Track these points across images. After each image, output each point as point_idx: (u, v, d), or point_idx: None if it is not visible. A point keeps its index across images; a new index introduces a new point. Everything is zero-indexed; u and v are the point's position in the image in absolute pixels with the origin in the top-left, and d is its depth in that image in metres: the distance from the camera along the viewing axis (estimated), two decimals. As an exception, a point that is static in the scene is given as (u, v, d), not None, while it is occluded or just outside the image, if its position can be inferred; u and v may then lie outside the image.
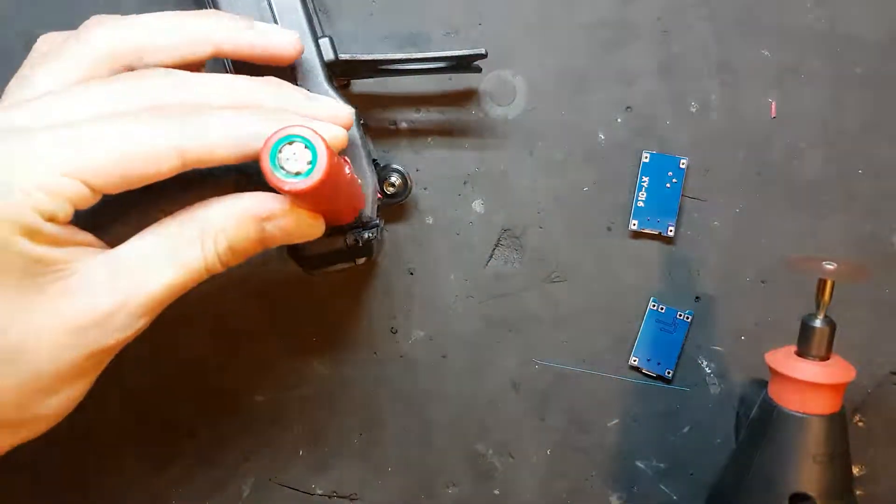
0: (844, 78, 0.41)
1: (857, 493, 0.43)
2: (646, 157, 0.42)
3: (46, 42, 0.32)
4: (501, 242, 0.43)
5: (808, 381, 0.35)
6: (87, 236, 0.28)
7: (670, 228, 0.42)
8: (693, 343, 0.43)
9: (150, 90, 0.28)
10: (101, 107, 0.27)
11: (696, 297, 0.43)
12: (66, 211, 0.26)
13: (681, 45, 0.42)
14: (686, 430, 0.43)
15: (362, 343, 0.43)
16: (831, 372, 0.35)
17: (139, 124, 0.27)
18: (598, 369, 0.43)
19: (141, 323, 0.28)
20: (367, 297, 0.43)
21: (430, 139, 0.42)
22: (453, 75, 0.42)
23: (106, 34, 0.29)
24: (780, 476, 0.35)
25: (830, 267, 0.33)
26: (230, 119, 0.28)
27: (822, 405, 0.35)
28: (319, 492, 0.44)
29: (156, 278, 0.27)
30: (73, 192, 0.26)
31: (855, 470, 0.43)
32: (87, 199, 0.26)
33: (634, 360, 0.43)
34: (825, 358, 0.35)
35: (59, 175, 0.26)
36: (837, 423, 0.35)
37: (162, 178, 0.27)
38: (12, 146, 0.26)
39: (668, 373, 0.43)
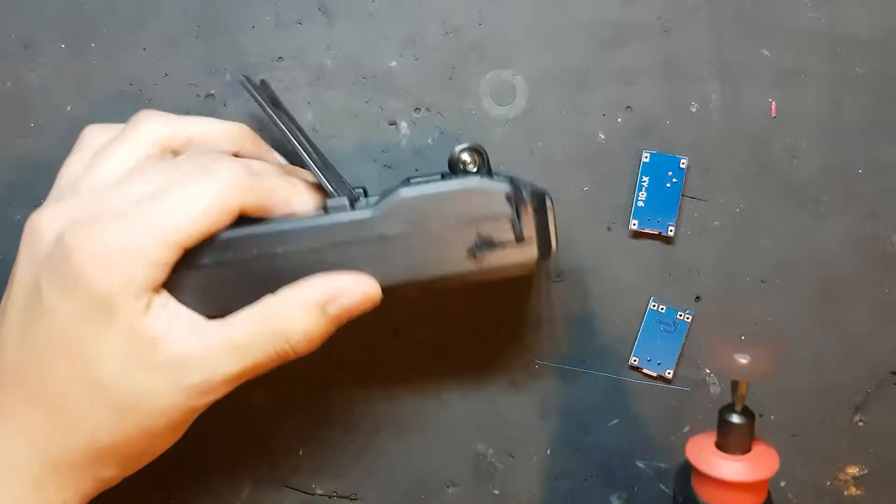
0: (844, 78, 0.41)
1: (857, 493, 0.43)
2: (646, 157, 0.42)
3: (93, 134, 0.36)
4: (501, 242, 0.43)
5: (725, 480, 0.33)
6: (177, 303, 0.32)
7: (670, 228, 0.42)
8: (693, 343, 0.43)
9: (202, 156, 0.34)
10: (168, 178, 0.32)
11: (696, 297, 0.43)
12: (165, 277, 0.31)
13: (681, 45, 0.42)
14: (686, 430, 0.43)
15: (363, 343, 0.43)
16: (750, 469, 0.33)
17: (208, 180, 0.32)
18: (598, 369, 0.43)
19: (229, 389, 0.33)
20: (367, 297, 0.43)
21: (430, 139, 0.42)
22: (454, 74, 0.42)
23: (156, 126, 0.35)
24: None
25: (744, 361, 0.32)
26: (274, 181, 0.34)
27: (744, 501, 0.33)
28: (319, 492, 0.44)
29: (241, 368, 0.32)
30: (171, 256, 0.31)
31: (855, 470, 0.43)
32: (176, 258, 0.31)
33: (634, 360, 0.43)
34: (746, 451, 0.33)
35: (160, 246, 0.30)
36: None
37: (230, 222, 0.32)
38: (116, 228, 0.30)
39: (668, 373, 0.43)
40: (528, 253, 0.33)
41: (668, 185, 0.42)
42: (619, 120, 0.42)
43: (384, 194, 0.35)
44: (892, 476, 0.43)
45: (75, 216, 0.31)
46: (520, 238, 0.33)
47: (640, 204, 0.42)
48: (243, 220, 0.33)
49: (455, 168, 0.36)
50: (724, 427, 0.33)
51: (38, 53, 0.42)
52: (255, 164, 0.35)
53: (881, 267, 0.42)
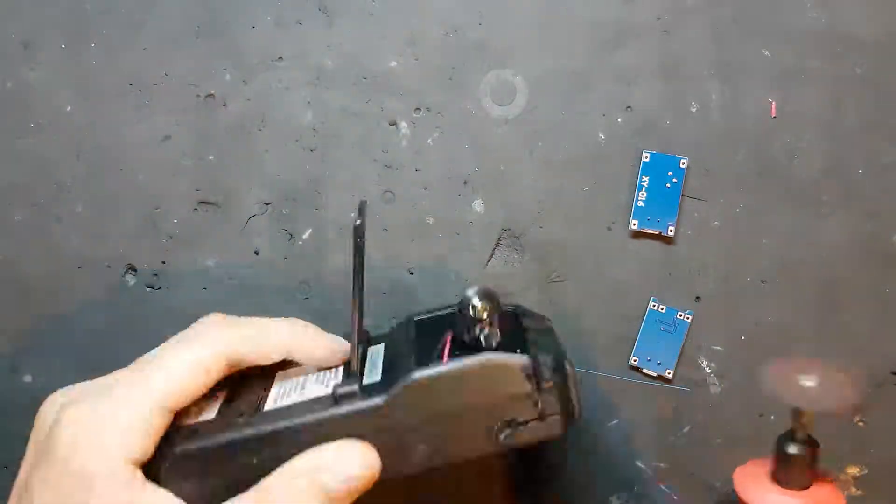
0: (844, 78, 0.41)
1: (858, 493, 0.43)
2: (646, 157, 0.42)
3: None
4: (501, 242, 0.43)
5: None
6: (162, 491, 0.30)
7: (670, 228, 0.42)
8: (693, 343, 0.43)
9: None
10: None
11: (696, 297, 0.43)
12: (147, 449, 0.29)
13: (681, 45, 0.41)
14: (686, 430, 0.43)
15: (362, 343, 0.43)
16: None
17: (188, 344, 0.31)
18: (598, 369, 0.43)
19: None
20: (367, 297, 0.43)
21: (430, 139, 0.42)
22: (454, 74, 0.42)
23: (220, 335, 0.33)
24: None
25: (810, 384, 0.27)
26: (263, 325, 0.33)
27: None
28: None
29: None
30: (148, 422, 0.29)
31: (855, 470, 0.43)
32: (166, 423, 0.30)
33: (634, 360, 0.43)
34: (805, 487, 0.29)
35: (134, 411, 0.29)
36: None
37: (213, 383, 0.31)
38: (94, 402, 0.29)
39: (668, 373, 0.43)
40: (552, 428, 0.31)
41: (668, 185, 0.42)
42: (619, 120, 0.42)
43: (392, 363, 0.33)
44: (892, 476, 0.43)
45: (72, 398, 0.30)
46: (542, 415, 0.31)
47: (640, 204, 0.42)
48: (260, 379, 0.33)
49: (465, 313, 0.33)
50: (781, 457, 0.29)
51: (38, 53, 0.42)
52: (244, 319, 0.34)
53: (881, 267, 0.42)
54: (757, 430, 0.43)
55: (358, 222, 0.32)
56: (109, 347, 0.43)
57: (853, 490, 0.43)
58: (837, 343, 0.42)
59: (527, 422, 0.31)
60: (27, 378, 0.43)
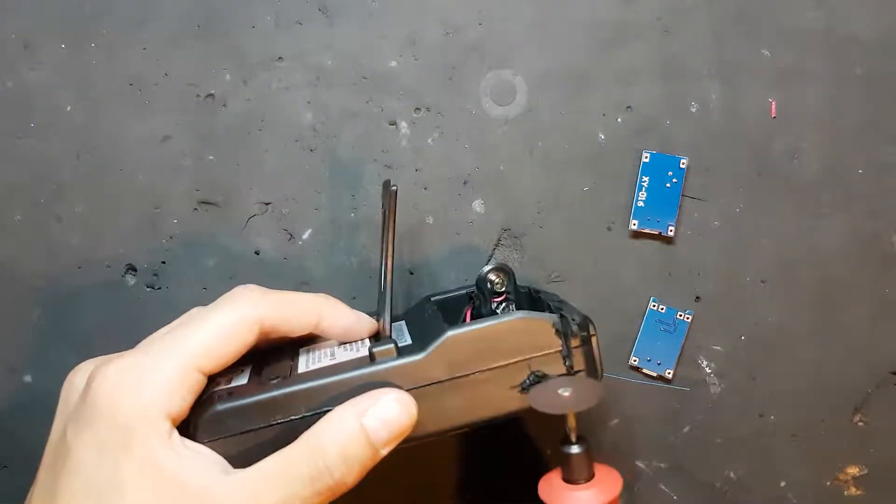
0: (844, 78, 0.41)
1: (857, 492, 0.43)
2: (646, 157, 0.42)
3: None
4: (501, 242, 0.43)
5: None
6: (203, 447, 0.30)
7: (670, 228, 0.42)
8: (693, 343, 0.43)
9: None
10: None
11: (696, 297, 0.43)
12: (184, 405, 0.30)
13: (681, 45, 0.42)
14: (686, 430, 0.43)
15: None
16: (597, 493, 0.33)
17: (224, 307, 0.32)
18: (598, 369, 0.43)
19: None
20: (366, 297, 0.43)
21: (430, 139, 0.42)
22: (454, 74, 0.42)
23: (252, 302, 0.33)
24: None
25: (566, 394, 0.32)
26: (294, 295, 0.34)
27: None
28: None
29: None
30: (185, 378, 0.30)
31: (855, 470, 0.43)
32: (200, 385, 0.30)
33: (634, 360, 0.43)
34: (589, 478, 0.34)
35: (172, 367, 0.30)
36: None
37: (246, 349, 0.32)
38: (133, 358, 0.30)
39: (668, 373, 0.43)
40: None
41: (668, 185, 0.42)
42: (619, 120, 0.42)
43: (418, 332, 0.34)
44: (892, 476, 0.43)
45: (106, 359, 0.31)
46: (570, 371, 0.33)
47: (640, 204, 0.42)
48: (286, 351, 0.34)
49: (483, 288, 0.36)
50: (566, 460, 0.34)
51: (38, 53, 0.42)
52: (276, 290, 0.34)
53: (881, 267, 0.42)
54: (757, 430, 0.43)
55: (394, 187, 0.35)
56: (109, 347, 0.43)
57: (853, 490, 0.43)
58: (837, 343, 0.43)
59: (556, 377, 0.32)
60: (27, 378, 0.43)
